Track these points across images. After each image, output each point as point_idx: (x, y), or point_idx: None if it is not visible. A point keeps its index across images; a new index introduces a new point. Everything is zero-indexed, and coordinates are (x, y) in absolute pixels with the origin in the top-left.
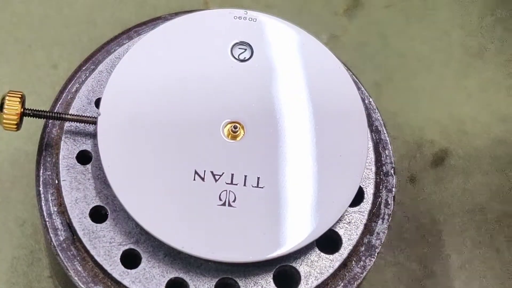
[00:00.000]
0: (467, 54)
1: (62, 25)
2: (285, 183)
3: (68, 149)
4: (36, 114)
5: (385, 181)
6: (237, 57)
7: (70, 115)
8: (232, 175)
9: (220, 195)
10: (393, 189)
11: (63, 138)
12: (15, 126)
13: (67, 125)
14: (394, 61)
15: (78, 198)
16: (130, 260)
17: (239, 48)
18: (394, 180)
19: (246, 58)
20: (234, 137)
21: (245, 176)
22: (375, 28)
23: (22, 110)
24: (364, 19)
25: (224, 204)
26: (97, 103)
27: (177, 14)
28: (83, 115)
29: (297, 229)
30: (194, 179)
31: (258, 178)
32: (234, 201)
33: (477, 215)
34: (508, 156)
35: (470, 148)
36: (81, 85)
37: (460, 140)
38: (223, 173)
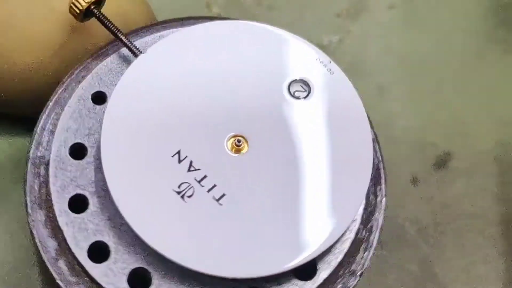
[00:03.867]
0: (470, 56)
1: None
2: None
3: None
4: (101, 19)
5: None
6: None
7: (125, 36)
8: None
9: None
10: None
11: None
12: (79, 12)
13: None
14: (397, 63)
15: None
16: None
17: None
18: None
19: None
20: (238, 151)
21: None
22: (378, 29)
23: (93, 7)
24: (367, 20)
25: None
26: None
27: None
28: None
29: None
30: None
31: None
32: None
33: (479, 218)
34: (511, 159)
35: (473, 151)
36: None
37: (462, 143)
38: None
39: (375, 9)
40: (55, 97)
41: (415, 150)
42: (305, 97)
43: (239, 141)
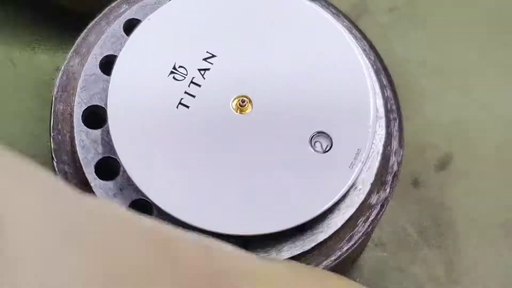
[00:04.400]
0: (471, 58)
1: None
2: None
3: None
4: None
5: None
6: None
7: None
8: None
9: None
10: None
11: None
12: None
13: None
14: (398, 65)
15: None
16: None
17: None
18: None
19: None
20: (242, 111)
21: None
22: (379, 31)
23: None
24: (368, 22)
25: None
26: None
27: None
28: None
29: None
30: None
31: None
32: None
33: (480, 219)
34: None
35: (475, 153)
36: None
37: (464, 145)
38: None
39: (375, 11)
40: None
41: (416, 152)
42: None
43: (243, 101)
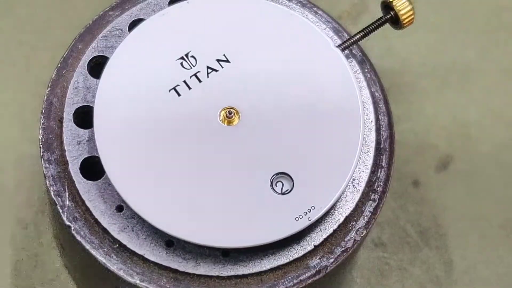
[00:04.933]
0: (471, 58)
1: (66, 27)
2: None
3: None
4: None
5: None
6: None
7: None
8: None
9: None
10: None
11: None
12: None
13: None
14: (398, 65)
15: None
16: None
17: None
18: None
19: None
20: (229, 122)
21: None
22: (379, 32)
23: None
24: (368, 22)
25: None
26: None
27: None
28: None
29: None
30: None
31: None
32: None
33: (480, 220)
34: None
35: (474, 153)
36: None
37: (464, 145)
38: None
39: (376, 11)
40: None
41: (416, 153)
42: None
43: (230, 112)
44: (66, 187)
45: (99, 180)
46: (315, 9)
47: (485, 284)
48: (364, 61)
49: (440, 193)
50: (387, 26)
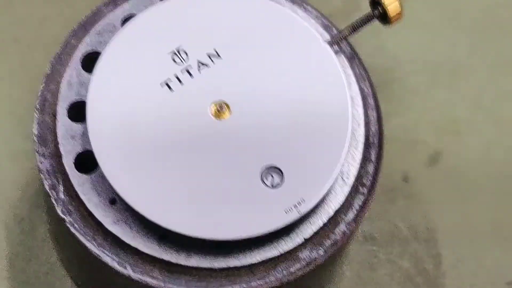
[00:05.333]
0: (461, 55)
1: (62, 24)
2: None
3: None
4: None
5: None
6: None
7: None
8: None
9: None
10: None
11: None
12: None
13: None
14: (388, 62)
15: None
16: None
17: None
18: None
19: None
20: (220, 117)
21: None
22: (370, 29)
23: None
24: None
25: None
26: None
27: None
28: None
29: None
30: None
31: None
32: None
33: (469, 215)
34: (501, 157)
35: (464, 149)
36: None
37: (453, 141)
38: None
39: (368, 9)
40: None
41: (406, 148)
42: None
43: (221, 106)
44: (60, 180)
45: (93, 174)
46: (304, 5)
47: (473, 277)
48: (353, 57)
49: (430, 188)
50: (378, 24)
